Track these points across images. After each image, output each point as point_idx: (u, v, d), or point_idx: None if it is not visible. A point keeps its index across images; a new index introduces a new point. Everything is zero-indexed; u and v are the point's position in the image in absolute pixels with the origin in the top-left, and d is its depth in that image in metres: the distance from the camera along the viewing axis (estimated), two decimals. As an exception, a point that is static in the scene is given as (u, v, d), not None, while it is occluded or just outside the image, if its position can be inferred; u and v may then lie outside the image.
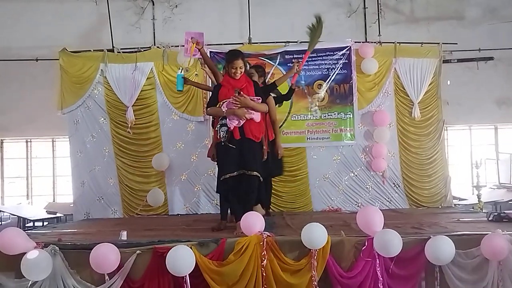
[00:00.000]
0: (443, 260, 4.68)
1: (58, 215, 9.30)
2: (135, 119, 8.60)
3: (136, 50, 8.77)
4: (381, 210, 5.15)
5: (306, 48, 7.95)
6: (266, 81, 8.11)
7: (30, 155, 10.38)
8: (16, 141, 10.39)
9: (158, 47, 8.88)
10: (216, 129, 5.74)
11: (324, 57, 8.62)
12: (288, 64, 8.33)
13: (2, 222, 9.34)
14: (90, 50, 8.79)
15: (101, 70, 8.65)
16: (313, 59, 8.59)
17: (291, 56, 8.36)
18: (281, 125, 8.61)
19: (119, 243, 4.90)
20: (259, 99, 5.68)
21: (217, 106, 5.66)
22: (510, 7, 9.95)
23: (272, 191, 8.42)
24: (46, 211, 9.33)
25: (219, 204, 6.72)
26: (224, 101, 5.61)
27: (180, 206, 8.63)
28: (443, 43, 8.85)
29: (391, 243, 4.65)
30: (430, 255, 4.68)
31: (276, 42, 8.75)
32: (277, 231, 5.38)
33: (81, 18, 9.84)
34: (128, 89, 8.59)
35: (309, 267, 4.69)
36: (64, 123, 8.83)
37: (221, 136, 5.61)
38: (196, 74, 8.35)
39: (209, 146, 6.86)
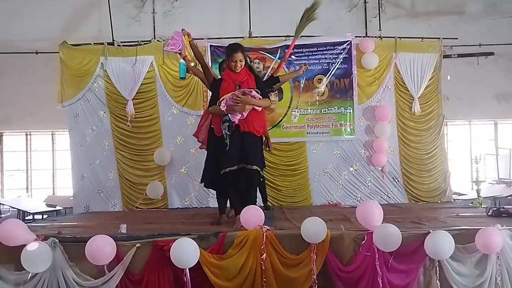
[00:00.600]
0: (443, 255, 4.68)
1: (57, 208, 9.30)
2: (135, 112, 8.60)
3: (136, 43, 8.76)
4: (380, 204, 5.14)
5: (307, 43, 8.01)
6: (266, 75, 8.15)
7: (30, 148, 10.37)
8: (16, 134, 10.37)
9: (158, 40, 8.87)
10: (212, 126, 5.76)
11: (324, 52, 8.62)
12: (289, 59, 8.31)
13: (2, 215, 9.35)
14: (90, 43, 8.79)
15: (101, 63, 8.65)
16: (313, 53, 8.62)
17: (292, 51, 8.34)
18: (281, 120, 8.65)
19: (119, 236, 4.91)
20: (251, 91, 5.62)
21: (218, 102, 5.66)
22: (511, 1, 9.92)
23: (272, 185, 8.50)
24: (46, 204, 9.34)
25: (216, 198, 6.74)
26: (223, 98, 5.60)
27: (179, 200, 8.65)
28: (443, 38, 8.86)
29: (390, 237, 4.66)
30: (430, 250, 4.68)
31: (277, 36, 8.73)
32: (277, 225, 5.40)
33: (81, 11, 9.80)
34: (128, 82, 8.59)
35: (309, 261, 4.70)
36: (64, 116, 8.82)
37: (224, 132, 5.62)
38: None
39: (201, 137, 6.83)
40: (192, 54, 6.48)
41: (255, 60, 8.50)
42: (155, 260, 4.72)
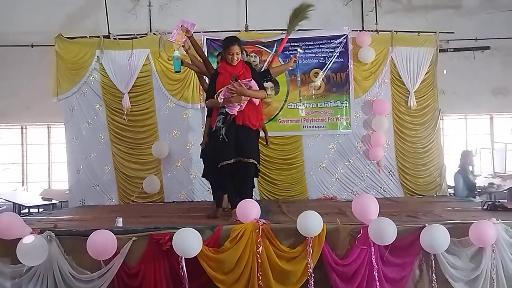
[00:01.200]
0: (438, 249, 4.71)
1: (53, 201, 9.31)
2: (131, 106, 8.56)
3: (132, 36, 8.72)
4: (376, 198, 5.16)
5: (303, 37, 7.98)
6: (263, 68, 8.12)
7: (26, 141, 10.36)
8: (12, 128, 10.37)
9: (154, 33, 8.84)
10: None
11: (320, 45, 8.60)
12: (285, 52, 8.29)
13: (-2, 209, 9.34)
14: (86, 37, 8.76)
15: (97, 56, 8.60)
16: (309, 47, 8.60)
17: (288, 44, 8.30)
18: (277, 113, 8.64)
19: (115, 230, 4.91)
20: (250, 80, 5.59)
21: (215, 96, 5.65)
22: (507, -4, 9.95)
23: (268, 179, 8.51)
24: (42, 198, 9.35)
25: (211, 191, 6.76)
26: (220, 90, 5.59)
27: (176, 194, 8.64)
28: (440, 32, 8.84)
29: (386, 231, 4.67)
30: (425, 243, 4.70)
31: (273, 30, 8.71)
32: (273, 219, 5.41)
33: (77, 4, 9.78)
34: (124, 75, 8.55)
35: (305, 254, 4.71)
36: (60, 109, 8.79)
37: (217, 125, 5.62)
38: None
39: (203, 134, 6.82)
40: (183, 51, 6.50)
41: (252, 54, 8.49)
42: (151, 253, 4.73)
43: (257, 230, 4.75)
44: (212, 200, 7.10)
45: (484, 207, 6.29)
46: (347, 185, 8.70)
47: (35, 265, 4.66)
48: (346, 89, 8.66)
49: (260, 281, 4.69)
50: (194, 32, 6.42)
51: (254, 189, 6.65)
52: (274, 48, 8.50)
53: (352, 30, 8.79)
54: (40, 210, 9.05)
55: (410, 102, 8.70)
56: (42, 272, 4.70)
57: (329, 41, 8.62)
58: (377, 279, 4.71)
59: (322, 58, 8.63)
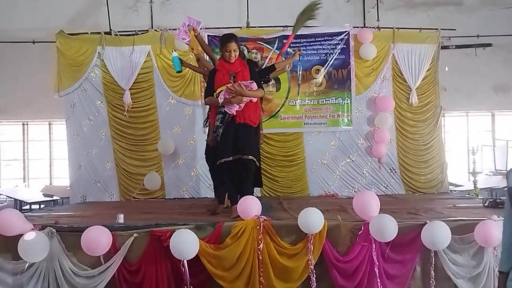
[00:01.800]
0: (439, 245, 4.71)
1: (54, 198, 9.30)
2: (132, 102, 8.56)
3: (133, 33, 8.72)
4: (377, 195, 5.16)
5: (304, 33, 7.95)
6: (264, 65, 8.12)
7: (27, 138, 10.35)
8: (13, 124, 10.36)
9: (155, 30, 8.83)
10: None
11: (322, 42, 8.59)
12: (287, 50, 8.28)
13: (-1, 205, 9.35)
14: (87, 33, 8.74)
15: (98, 53, 8.59)
16: (311, 44, 8.59)
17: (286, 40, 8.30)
18: (279, 110, 8.63)
19: (116, 226, 4.92)
20: (252, 82, 5.65)
21: (214, 94, 5.66)
22: (509, -7, 9.92)
23: (269, 176, 8.51)
24: (43, 194, 9.33)
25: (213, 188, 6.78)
26: (220, 90, 5.60)
27: (177, 190, 8.64)
28: (441, 29, 8.82)
29: (387, 228, 4.68)
30: (426, 240, 4.71)
31: (275, 27, 8.70)
32: (274, 215, 5.42)
33: (78, 0, 9.76)
34: (125, 72, 8.55)
35: (306, 251, 4.72)
36: (61, 106, 8.79)
37: (216, 124, 5.66)
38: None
39: (208, 131, 6.81)
40: (200, 47, 6.51)
41: (253, 50, 8.49)
42: (152, 250, 4.74)
43: (258, 227, 4.76)
44: (213, 196, 7.12)
45: (486, 204, 6.29)
46: (348, 182, 8.69)
47: (36, 261, 4.68)
48: (347, 86, 8.65)
49: (261, 278, 4.70)
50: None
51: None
52: (276, 45, 8.49)
53: (354, 27, 8.78)
54: (42, 206, 9.04)
55: (412, 99, 8.69)
56: (44, 268, 4.72)
57: (330, 38, 8.61)
58: (378, 275, 4.72)
59: (324, 54, 8.62)
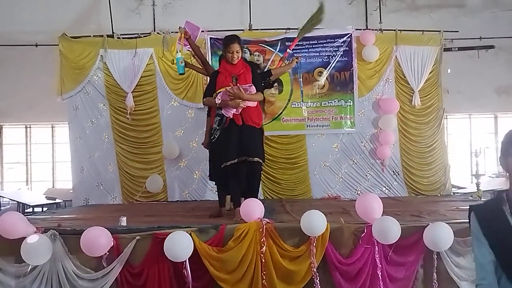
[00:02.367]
0: (442, 246, 4.70)
1: (57, 201, 9.32)
2: (135, 105, 8.56)
3: (136, 36, 8.72)
4: (380, 198, 5.15)
5: (307, 35, 7.92)
6: (267, 67, 8.12)
7: (30, 140, 10.39)
8: (16, 127, 10.39)
9: (158, 33, 8.82)
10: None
11: (324, 44, 8.58)
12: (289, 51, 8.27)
13: (2, 208, 9.35)
14: (90, 36, 8.75)
15: (101, 55, 8.60)
16: (313, 46, 8.57)
17: (290, 43, 8.31)
18: (281, 113, 8.62)
19: (119, 229, 4.92)
20: (251, 85, 5.64)
21: (213, 95, 5.67)
22: (511, -5, 9.92)
23: (272, 178, 8.50)
24: (46, 197, 9.35)
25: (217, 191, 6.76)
26: (219, 91, 5.60)
27: (179, 193, 8.64)
28: (444, 31, 8.81)
29: (390, 230, 4.67)
30: (428, 241, 4.69)
31: (277, 29, 8.70)
32: (277, 218, 5.41)
33: (81, 3, 9.80)
34: (128, 75, 8.56)
35: (308, 253, 4.71)
36: (64, 109, 8.80)
37: (214, 126, 5.67)
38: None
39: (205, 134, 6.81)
40: (185, 50, 6.52)
41: (255, 53, 8.49)
42: (155, 252, 4.73)
43: (260, 230, 4.75)
44: (216, 199, 7.11)
45: (488, 207, 6.25)
46: (351, 184, 8.67)
47: (39, 264, 4.68)
48: (350, 88, 8.64)
49: (263, 281, 4.69)
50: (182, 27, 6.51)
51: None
52: (278, 47, 8.49)
53: (356, 29, 8.77)
54: (44, 209, 9.06)
55: (415, 101, 8.68)
56: (46, 271, 4.72)
57: (333, 40, 8.60)
58: (380, 278, 4.71)
59: (326, 57, 8.60)
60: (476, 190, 8.08)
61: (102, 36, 8.66)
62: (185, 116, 8.66)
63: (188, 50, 6.69)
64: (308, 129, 8.67)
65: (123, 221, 5.28)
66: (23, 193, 9.57)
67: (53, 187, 10.10)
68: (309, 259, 4.70)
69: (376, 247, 4.74)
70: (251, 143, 5.64)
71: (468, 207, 2.62)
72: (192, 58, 7.33)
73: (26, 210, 9.04)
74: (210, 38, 8.40)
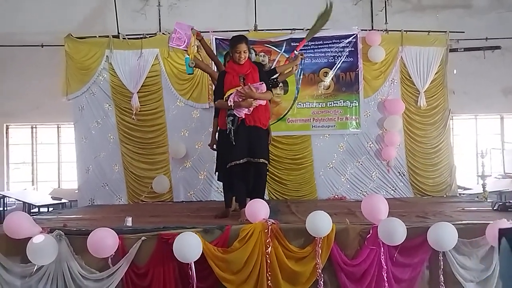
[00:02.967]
0: (445, 246, 4.67)
1: (63, 201, 9.34)
2: (140, 105, 8.58)
3: (141, 36, 8.73)
4: (385, 198, 5.13)
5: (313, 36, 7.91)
6: (271, 68, 8.11)
7: (36, 141, 10.41)
8: (22, 127, 10.41)
9: (163, 33, 8.84)
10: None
11: (330, 45, 8.58)
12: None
13: (8, 208, 9.36)
14: (95, 36, 8.77)
15: (107, 56, 8.63)
16: (319, 46, 8.58)
17: (297, 44, 8.30)
18: (286, 113, 8.62)
19: (124, 229, 4.91)
20: (262, 83, 5.63)
21: (223, 97, 5.65)
22: (518, -5, 9.89)
23: (277, 179, 8.50)
24: (51, 197, 9.37)
25: (223, 191, 6.75)
26: (229, 93, 5.59)
27: (184, 193, 8.64)
28: (450, 32, 8.79)
29: (396, 231, 4.65)
30: (432, 240, 4.67)
31: (282, 30, 8.70)
32: (282, 219, 5.39)
33: (86, 4, 9.83)
34: (133, 75, 8.58)
35: (314, 254, 4.70)
36: (69, 109, 8.83)
37: (228, 126, 5.63)
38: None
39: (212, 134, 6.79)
40: (195, 51, 6.50)
41: (261, 53, 8.48)
42: (160, 253, 4.73)
43: (266, 230, 4.74)
44: (221, 199, 7.11)
45: (495, 208, 6.25)
46: (357, 185, 8.67)
47: (44, 264, 4.68)
48: (355, 89, 8.63)
49: (269, 281, 4.67)
50: (203, 32, 6.49)
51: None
52: (283, 48, 8.49)
53: (362, 30, 8.76)
54: (50, 209, 9.06)
55: (420, 102, 8.67)
56: (52, 271, 4.71)
57: (338, 41, 8.59)
58: (386, 279, 4.69)
59: (332, 57, 8.60)
60: (482, 191, 8.06)
61: (107, 36, 8.68)
62: (191, 116, 8.67)
63: (185, 50, 6.64)
64: (313, 129, 8.67)
65: (129, 221, 5.28)
66: (29, 193, 9.58)
67: (59, 187, 10.13)
68: (315, 260, 4.68)
69: (382, 248, 4.72)
70: (257, 145, 5.63)
71: (498, 231, 2.60)
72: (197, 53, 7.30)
73: (31, 210, 9.05)
74: (216, 38, 8.42)
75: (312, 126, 8.67)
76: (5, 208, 9.25)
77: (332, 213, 5.21)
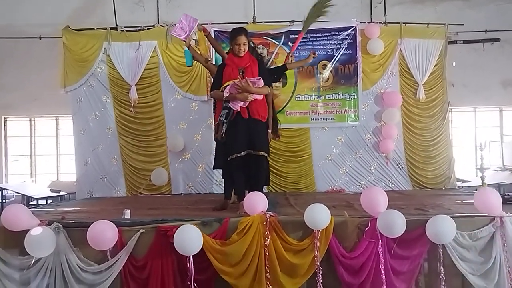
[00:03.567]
0: (444, 238, 4.66)
1: (61, 193, 9.33)
2: (138, 98, 8.57)
3: (139, 28, 8.71)
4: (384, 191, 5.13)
5: (311, 28, 7.90)
6: (271, 60, 8.11)
7: (34, 133, 10.40)
8: (20, 119, 10.40)
9: (162, 25, 8.81)
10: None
11: (329, 37, 8.56)
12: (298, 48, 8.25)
13: (6, 200, 9.36)
14: (93, 28, 8.75)
15: (105, 48, 8.60)
16: (318, 39, 8.56)
17: (296, 36, 8.25)
18: (285, 106, 8.61)
19: (122, 222, 4.91)
20: (259, 79, 5.63)
21: (221, 88, 5.65)
22: (518, -13, 9.85)
23: (276, 171, 8.48)
24: (50, 190, 9.36)
25: (222, 183, 6.76)
26: (226, 84, 5.59)
27: (183, 186, 8.64)
28: (449, 24, 8.77)
29: (395, 223, 4.65)
30: (431, 233, 4.67)
31: (281, 22, 8.67)
32: (280, 211, 5.39)
33: (85, -4, 9.79)
34: (131, 67, 8.55)
35: (312, 247, 4.70)
36: (67, 101, 8.81)
37: (220, 120, 5.64)
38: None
39: (214, 127, 6.77)
40: (194, 44, 6.50)
41: (259, 46, 8.45)
42: (158, 245, 4.73)
43: (264, 223, 4.74)
44: (219, 192, 7.11)
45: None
46: (355, 177, 8.68)
47: (43, 257, 4.68)
48: (354, 81, 8.62)
49: (267, 274, 4.68)
50: (201, 24, 6.47)
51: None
52: (282, 40, 8.48)
53: (361, 22, 8.74)
54: (48, 201, 9.07)
55: (419, 94, 8.66)
56: (50, 263, 4.71)
57: (337, 33, 8.57)
58: (384, 272, 4.69)
59: (330, 50, 8.59)
60: (481, 184, 8.05)
61: (105, 28, 8.65)
62: (189, 109, 8.65)
63: (184, 40, 6.63)
64: (312, 122, 8.67)
65: (127, 214, 5.27)
66: (28, 186, 9.58)
67: (57, 179, 10.12)
68: (313, 253, 4.69)
69: (380, 240, 4.72)
70: (256, 137, 5.65)
71: None
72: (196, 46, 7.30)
73: (30, 203, 9.05)
74: (214, 30, 8.37)
75: (311, 119, 8.66)
76: (4, 201, 9.23)
77: (331, 205, 5.21)
